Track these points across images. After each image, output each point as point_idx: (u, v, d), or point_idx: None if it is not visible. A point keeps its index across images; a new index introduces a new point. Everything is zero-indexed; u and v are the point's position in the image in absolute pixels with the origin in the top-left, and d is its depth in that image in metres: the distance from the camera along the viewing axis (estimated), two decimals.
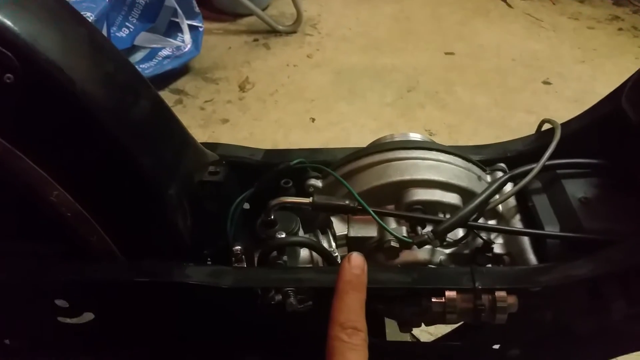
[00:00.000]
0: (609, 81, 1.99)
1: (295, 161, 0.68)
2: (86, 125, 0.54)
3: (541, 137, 0.70)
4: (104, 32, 1.64)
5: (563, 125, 0.68)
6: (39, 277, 0.62)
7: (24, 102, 0.50)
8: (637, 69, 0.65)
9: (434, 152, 0.66)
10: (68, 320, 0.65)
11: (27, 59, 0.48)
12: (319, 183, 0.69)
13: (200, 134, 1.71)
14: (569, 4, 2.34)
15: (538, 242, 0.60)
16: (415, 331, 0.69)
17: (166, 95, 1.89)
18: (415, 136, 0.73)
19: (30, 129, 0.53)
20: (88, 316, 0.64)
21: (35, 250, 0.64)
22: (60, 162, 0.55)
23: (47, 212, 0.58)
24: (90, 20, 1.53)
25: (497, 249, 0.62)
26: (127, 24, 1.78)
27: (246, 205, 0.70)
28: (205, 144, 0.74)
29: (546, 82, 1.89)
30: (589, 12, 2.27)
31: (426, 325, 0.65)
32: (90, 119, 0.53)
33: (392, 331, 0.72)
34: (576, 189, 0.62)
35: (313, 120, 1.79)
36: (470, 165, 0.67)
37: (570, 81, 1.89)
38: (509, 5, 2.34)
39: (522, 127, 1.68)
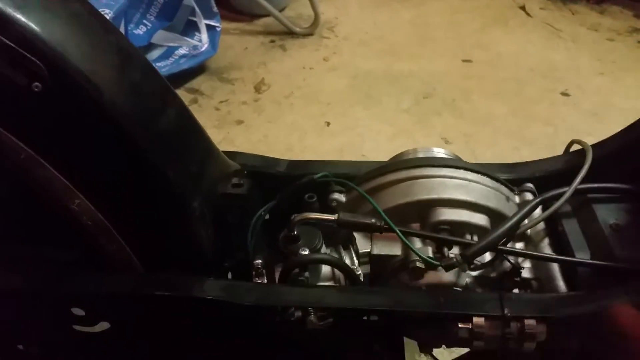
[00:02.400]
0: (628, 94, 1.98)
1: (319, 175, 0.67)
2: (112, 135, 0.53)
3: (570, 159, 0.69)
4: (122, 29, 1.64)
5: (594, 146, 0.66)
6: (57, 285, 0.61)
7: (50, 110, 0.50)
8: None
9: (462, 171, 0.64)
10: (83, 329, 0.64)
11: (56, 68, 0.47)
12: (342, 198, 0.68)
13: (215, 135, 1.69)
14: (589, 14, 2.31)
15: (568, 269, 0.58)
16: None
17: (182, 94, 1.88)
18: (439, 152, 0.72)
19: (56, 138, 0.52)
20: (103, 325, 0.64)
21: (54, 256, 0.63)
22: (84, 171, 0.55)
23: (68, 219, 0.57)
24: (108, 17, 1.54)
25: (525, 273, 0.60)
26: (144, 21, 1.78)
27: (266, 216, 0.69)
28: (227, 153, 0.73)
29: (564, 94, 1.87)
30: (609, 23, 2.24)
31: (447, 347, 0.64)
32: (116, 128, 0.52)
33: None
34: (607, 215, 0.60)
35: (328, 124, 1.78)
36: (498, 185, 0.65)
37: (589, 93, 1.87)
38: (528, 15, 2.32)
39: (539, 138, 1.66)
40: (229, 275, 0.66)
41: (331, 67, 2.04)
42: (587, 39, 2.16)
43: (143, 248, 0.60)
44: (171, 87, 0.59)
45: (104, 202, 0.57)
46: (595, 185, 0.63)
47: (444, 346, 0.67)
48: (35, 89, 0.47)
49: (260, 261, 0.62)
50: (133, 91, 0.53)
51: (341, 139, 1.71)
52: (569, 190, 0.59)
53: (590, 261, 0.57)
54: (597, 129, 1.71)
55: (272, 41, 2.19)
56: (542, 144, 1.60)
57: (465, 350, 0.67)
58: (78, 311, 0.62)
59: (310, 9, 2.17)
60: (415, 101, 1.85)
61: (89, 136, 0.52)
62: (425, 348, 0.67)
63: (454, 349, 0.72)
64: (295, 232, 0.62)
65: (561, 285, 0.58)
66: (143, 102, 0.54)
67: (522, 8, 2.35)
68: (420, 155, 0.71)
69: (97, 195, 0.56)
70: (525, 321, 0.52)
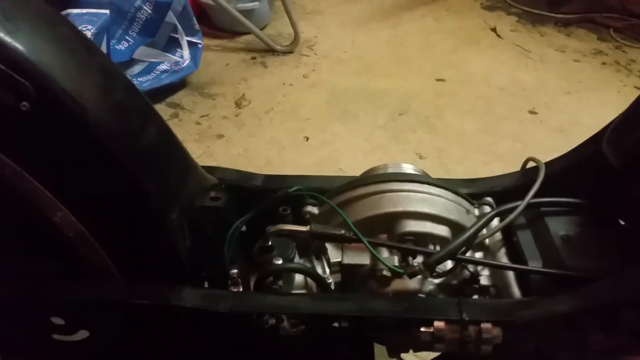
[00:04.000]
0: (593, 112, 2.07)
1: (293, 189, 0.71)
2: (95, 151, 0.56)
3: (526, 175, 0.74)
4: (104, 45, 1.66)
5: (547, 164, 0.71)
6: (36, 295, 0.63)
7: (37, 128, 0.53)
8: (618, 101, 0.69)
9: (426, 186, 0.68)
10: (63, 338, 0.66)
11: (43, 88, 0.50)
12: (315, 210, 0.72)
13: (195, 149, 1.73)
14: (556, 36, 2.41)
15: (522, 277, 0.63)
16: (404, 355, 0.71)
17: (162, 109, 1.91)
18: (408, 167, 0.76)
19: (41, 154, 0.55)
20: (83, 334, 0.66)
21: (35, 267, 0.65)
22: (68, 185, 0.57)
23: (50, 232, 0.60)
24: (91, 33, 1.57)
25: (484, 280, 0.65)
26: (127, 37, 1.81)
27: (243, 228, 0.72)
28: (206, 168, 0.76)
29: (532, 112, 1.94)
30: (575, 45, 2.34)
31: (414, 351, 0.67)
32: (100, 144, 0.55)
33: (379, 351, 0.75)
34: (558, 227, 0.65)
35: (307, 139, 1.82)
36: (459, 199, 0.70)
37: (556, 111, 1.95)
38: (499, 36, 2.41)
39: (508, 154, 1.73)
40: (206, 285, 0.69)
41: (310, 84, 2.09)
42: (554, 60, 2.25)
43: (123, 258, 0.63)
44: (152, 105, 0.62)
45: (86, 214, 0.59)
46: (548, 199, 0.68)
47: (411, 351, 0.70)
48: (23, 108, 0.50)
49: (236, 271, 0.65)
50: (116, 109, 0.56)
51: (319, 154, 1.76)
52: (522, 204, 0.64)
53: (542, 269, 0.62)
54: (563, 145, 1.76)
55: (253, 58, 2.23)
56: (511, 160, 1.67)
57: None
58: (58, 320, 0.64)
59: (290, 28, 2.22)
60: (391, 118, 1.91)
61: (73, 152, 0.55)
62: (394, 353, 0.70)
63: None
64: (270, 243, 0.65)
65: (516, 291, 0.62)
66: (125, 120, 0.57)
67: (493, 30, 2.44)
68: (390, 170, 0.75)
69: (79, 208, 0.59)
70: (482, 325, 0.56)
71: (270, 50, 2.24)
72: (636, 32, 2.38)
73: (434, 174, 0.75)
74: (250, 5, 2.27)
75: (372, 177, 0.71)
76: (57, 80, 0.52)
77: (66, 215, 0.59)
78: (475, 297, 0.65)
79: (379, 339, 0.68)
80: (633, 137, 0.62)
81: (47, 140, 0.54)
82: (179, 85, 1.99)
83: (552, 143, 1.77)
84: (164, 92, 1.94)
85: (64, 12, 1.56)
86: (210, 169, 0.77)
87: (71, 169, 0.56)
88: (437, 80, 2.11)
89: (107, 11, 1.63)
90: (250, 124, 1.87)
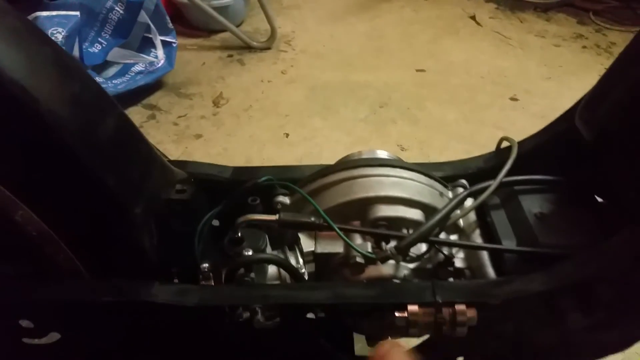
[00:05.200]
0: (574, 97, 2.04)
1: (263, 179, 0.69)
2: (51, 145, 0.54)
3: (500, 154, 0.73)
4: (76, 47, 1.63)
5: (520, 143, 0.71)
6: (2, 298, 0.61)
7: None
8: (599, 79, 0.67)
9: (398, 170, 0.67)
10: (33, 341, 0.64)
11: None
12: (286, 200, 0.71)
13: (173, 150, 1.71)
14: (536, 22, 2.42)
15: (496, 256, 0.62)
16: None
17: (139, 111, 1.88)
18: (381, 153, 0.75)
19: None
20: (54, 336, 0.64)
21: (1, 269, 0.63)
22: (26, 181, 0.55)
23: (11, 231, 0.58)
24: (62, 36, 1.54)
25: (458, 263, 0.64)
26: (99, 39, 1.78)
27: (215, 222, 0.71)
28: (175, 162, 0.74)
29: (513, 99, 1.94)
30: (555, 30, 2.35)
31: (391, 337, 0.66)
32: (55, 138, 0.53)
33: (362, 346, 0.74)
34: (532, 205, 0.64)
35: (287, 135, 1.80)
36: (432, 182, 0.69)
37: (537, 97, 1.95)
38: (478, 24, 2.41)
39: (490, 142, 1.69)
40: (176, 281, 0.67)
41: (289, 80, 2.07)
42: (534, 46, 2.25)
43: (89, 256, 0.61)
44: (111, 97, 0.60)
45: (47, 211, 0.57)
46: (521, 177, 0.67)
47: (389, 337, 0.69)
48: None
49: (207, 265, 0.64)
50: (71, 101, 0.54)
51: (300, 150, 1.74)
52: (494, 183, 0.63)
53: (515, 248, 0.61)
54: None
55: (230, 56, 2.21)
56: (493, 147, 1.65)
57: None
58: (26, 323, 0.62)
59: (267, 24, 2.20)
60: (372, 110, 1.90)
61: (27, 147, 0.53)
62: (372, 341, 0.69)
63: None
64: (240, 234, 0.64)
65: (490, 272, 0.61)
66: (82, 112, 0.55)
67: (473, 18, 2.44)
68: (364, 157, 0.74)
69: (40, 205, 0.57)
70: (456, 306, 0.55)
71: (247, 47, 2.22)
72: (616, 14, 2.39)
73: None
74: (224, 2, 2.24)
75: (343, 164, 0.70)
76: (7, 71, 0.50)
77: (27, 214, 0.57)
78: (451, 280, 0.63)
79: (355, 327, 0.67)
80: (603, 109, 0.61)
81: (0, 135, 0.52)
82: (155, 86, 1.96)
83: (534, 129, 1.74)
84: (140, 93, 1.91)
85: (32, 15, 1.53)
86: (182, 164, 0.75)
87: (27, 165, 0.54)
88: (417, 70, 2.11)
89: (77, 13, 1.60)
90: (229, 123, 1.85)
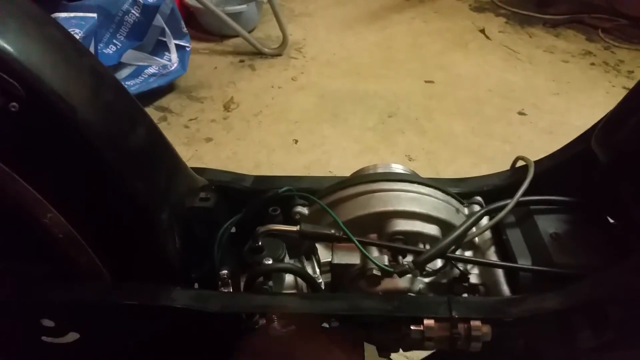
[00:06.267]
0: (581, 113, 2.09)
1: (283, 189, 0.71)
2: (84, 152, 0.56)
3: (515, 173, 0.74)
4: (92, 48, 1.65)
5: (536, 162, 0.72)
6: (26, 296, 0.62)
7: (26, 128, 0.52)
8: (607, 101, 0.69)
9: (416, 185, 0.69)
10: (53, 340, 0.65)
11: (33, 89, 0.50)
12: (305, 210, 0.72)
13: (184, 152, 1.73)
14: (545, 37, 2.43)
15: (511, 274, 0.63)
16: (393, 355, 0.72)
17: (151, 112, 1.90)
18: (397, 168, 0.77)
19: (30, 154, 0.54)
20: (73, 336, 0.65)
21: (25, 269, 0.65)
22: (57, 186, 0.57)
23: (39, 233, 0.59)
24: (78, 37, 1.56)
25: (473, 279, 0.65)
26: (114, 41, 1.80)
27: (233, 229, 0.72)
28: (196, 169, 0.76)
29: (521, 113, 1.96)
30: (564, 46, 2.37)
31: (404, 350, 0.67)
32: (89, 145, 0.55)
33: (370, 354, 0.75)
34: (547, 225, 0.66)
35: (296, 141, 1.82)
36: (449, 198, 0.70)
37: (545, 112, 1.97)
38: (488, 38, 2.43)
39: (497, 155, 1.74)
40: (196, 286, 0.68)
41: (299, 87, 2.09)
42: (543, 61, 2.27)
43: (112, 259, 0.63)
44: (141, 106, 0.62)
45: (76, 215, 0.59)
46: (537, 197, 0.68)
47: (401, 350, 0.71)
48: (12, 109, 0.50)
49: (226, 271, 0.65)
50: (105, 110, 0.56)
51: (309, 156, 1.76)
52: (511, 202, 0.64)
53: (531, 267, 0.62)
54: (552, 146, 1.78)
55: (242, 61, 2.23)
56: (500, 161, 1.68)
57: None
58: (48, 322, 0.63)
59: (278, 30, 2.22)
60: (380, 120, 1.92)
61: (62, 153, 0.55)
62: (384, 352, 0.70)
63: None
64: (260, 243, 0.65)
65: (505, 289, 0.63)
66: (114, 121, 0.57)
67: (482, 31, 2.46)
68: (380, 170, 0.75)
69: (68, 209, 0.58)
70: (471, 322, 0.57)
71: (259, 53, 2.25)
72: (624, 32, 2.41)
73: (424, 176, 0.76)
74: (238, 8, 2.27)
75: (362, 177, 0.72)
76: (46, 80, 0.51)
77: (55, 217, 0.59)
78: (465, 295, 0.65)
79: (369, 338, 0.68)
80: (621, 134, 0.63)
81: (36, 141, 0.53)
82: (167, 88, 1.99)
83: (541, 144, 1.78)
84: (152, 95, 1.93)
85: None
86: (200, 170, 0.77)
87: (60, 170, 0.56)
88: (426, 82, 2.12)
89: (95, 15, 1.62)
90: (239, 127, 1.87)
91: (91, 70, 0.56)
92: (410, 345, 0.62)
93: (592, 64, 2.25)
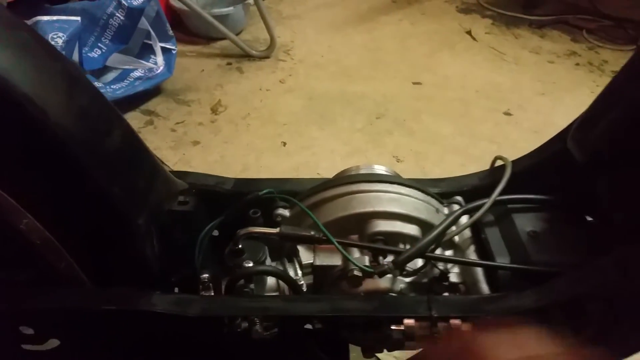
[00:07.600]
0: (567, 113, 2.08)
1: (264, 191, 0.71)
2: (59, 156, 0.55)
3: (494, 173, 0.75)
4: (76, 52, 1.65)
5: (514, 162, 0.73)
6: (3, 304, 0.62)
7: None
8: (591, 101, 0.69)
9: (395, 186, 0.69)
10: (33, 347, 0.65)
11: (2, 92, 0.50)
12: (286, 213, 0.72)
13: (171, 156, 1.72)
14: (530, 38, 2.45)
15: (491, 273, 0.64)
16: (381, 356, 0.72)
17: (137, 116, 1.89)
18: (379, 169, 0.77)
19: (3, 160, 0.54)
20: (53, 343, 0.65)
21: (3, 276, 0.64)
22: (32, 191, 0.56)
23: (15, 239, 0.59)
24: (62, 40, 1.55)
25: (453, 278, 0.65)
26: (99, 44, 1.79)
27: (215, 232, 0.72)
28: (176, 172, 0.76)
29: (507, 113, 1.97)
30: (549, 47, 2.38)
31: (389, 350, 0.67)
32: (63, 149, 0.55)
33: (357, 355, 0.75)
34: (525, 223, 0.66)
35: (284, 144, 1.82)
36: (428, 198, 0.70)
37: (531, 112, 1.98)
38: (474, 39, 2.44)
39: (484, 155, 1.74)
40: (176, 290, 0.68)
41: (287, 89, 2.09)
42: (529, 62, 2.28)
43: (91, 265, 0.62)
44: (118, 110, 0.62)
45: (52, 220, 0.58)
46: (515, 196, 0.69)
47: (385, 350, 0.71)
48: None
49: (207, 275, 0.65)
50: (79, 114, 0.56)
51: (297, 159, 1.76)
52: (489, 201, 0.65)
53: (509, 265, 0.62)
54: (537, 145, 1.81)
55: (229, 64, 2.23)
56: (487, 161, 1.67)
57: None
58: (27, 330, 0.63)
59: (266, 33, 2.22)
60: (369, 121, 1.92)
61: (35, 157, 0.54)
62: (368, 352, 0.71)
63: None
64: (240, 246, 0.65)
65: (485, 287, 0.63)
66: (89, 124, 0.57)
67: (469, 33, 2.48)
68: (362, 172, 0.75)
69: (44, 215, 0.58)
70: (451, 321, 0.57)
71: (246, 56, 2.24)
72: (608, 33, 2.43)
73: (412, 176, 0.76)
74: (225, 10, 2.27)
75: (343, 179, 0.72)
76: (15, 84, 0.51)
77: (32, 223, 0.58)
78: (446, 294, 0.65)
79: (352, 338, 0.68)
80: (596, 132, 0.63)
81: (8, 145, 0.53)
82: (154, 92, 1.98)
83: (526, 144, 1.76)
84: (138, 99, 1.92)
85: (33, 20, 1.54)
86: (181, 174, 0.77)
87: (34, 175, 0.55)
88: (414, 83, 2.13)
89: (79, 18, 1.61)
90: (226, 130, 1.87)
91: (64, 74, 0.56)
92: (393, 345, 0.62)
93: (577, 64, 2.26)
